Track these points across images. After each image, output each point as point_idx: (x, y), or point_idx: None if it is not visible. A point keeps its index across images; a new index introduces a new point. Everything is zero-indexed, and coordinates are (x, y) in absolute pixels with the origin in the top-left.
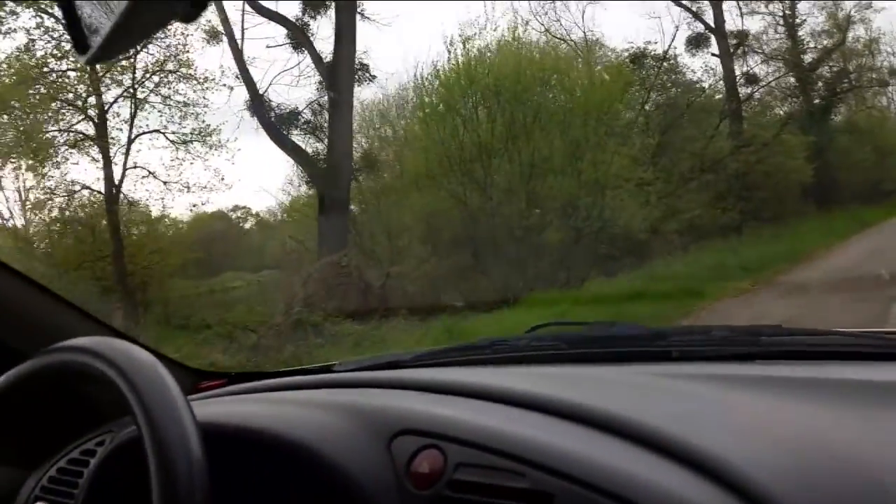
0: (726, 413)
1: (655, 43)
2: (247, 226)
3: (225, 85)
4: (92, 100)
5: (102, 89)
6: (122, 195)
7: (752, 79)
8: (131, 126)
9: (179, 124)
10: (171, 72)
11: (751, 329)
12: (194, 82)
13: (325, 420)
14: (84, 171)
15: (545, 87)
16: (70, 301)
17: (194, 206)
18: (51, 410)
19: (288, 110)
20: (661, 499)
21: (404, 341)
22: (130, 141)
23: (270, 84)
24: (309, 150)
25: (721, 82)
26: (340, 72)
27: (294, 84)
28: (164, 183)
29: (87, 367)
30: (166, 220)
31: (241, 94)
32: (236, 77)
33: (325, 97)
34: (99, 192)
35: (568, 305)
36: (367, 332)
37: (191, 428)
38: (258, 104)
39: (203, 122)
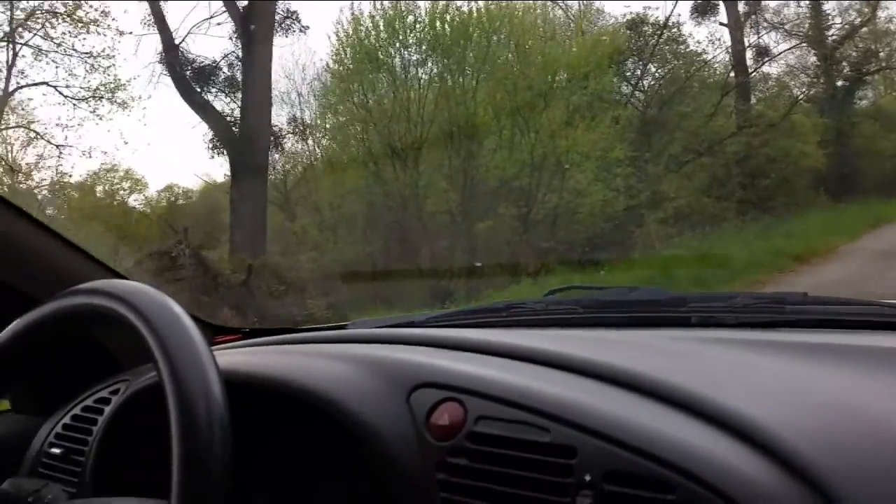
0: (752, 375)
1: (657, 9)
2: None
3: (117, 28)
4: None
5: None
6: None
7: (762, 51)
8: (8, 78)
9: (84, 78)
10: (58, 14)
11: (775, 296)
12: (81, 24)
13: (344, 371)
14: None
15: (492, 43)
16: (83, 248)
17: (94, 172)
18: (66, 358)
19: (205, 63)
20: (687, 455)
21: None
22: (8, 94)
23: (189, 33)
24: (225, 109)
25: (727, 55)
26: (256, 18)
27: (204, 33)
28: (58, 147)
29: (107, 311)
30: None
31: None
32: (146, 24)
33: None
34: None
35: None
36: None
37: (214, 377)
38: (173, 55)
39: (115, 75)
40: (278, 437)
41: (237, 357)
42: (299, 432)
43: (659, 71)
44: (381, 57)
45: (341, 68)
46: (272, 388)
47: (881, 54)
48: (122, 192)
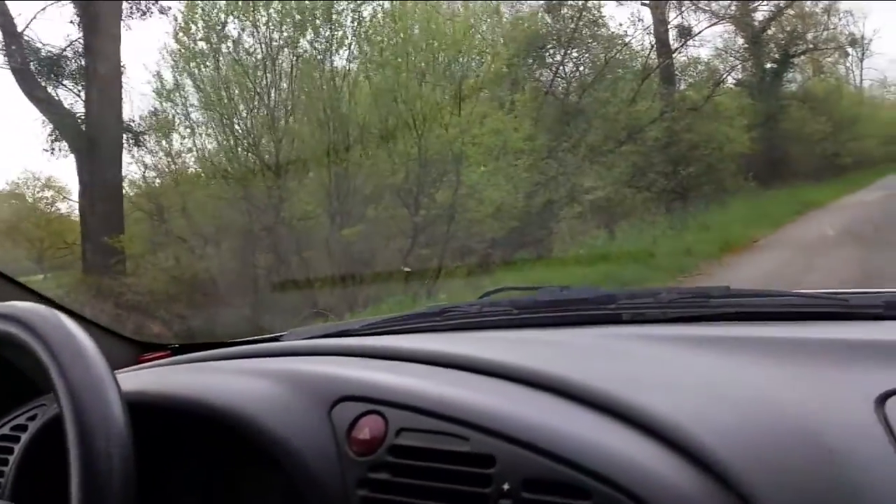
0: (672, 373)
1: None
2: None
3: None
4: None
5: None
6: None
7: (684, 32)
8: None
9: None
10: None
11: (699, 290)
12: None
13: (264, 388)
14: None
15: (364, 19)
16: None
17: None
18: None
19: (50, 53)
20: (601, 459)
21: None
22: None
23: (34, 18)
24: (68, 103)
25: (649, 36)
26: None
27: (44, 17)
28: None
29: (6, 336)
30: None
31: None
32: None
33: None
34: None
35: None
36: None
37: (115, 404)
38: (13, 44)
39: None
40: (199, 457)
41: (154, 377)
42: (220, 451)
43: (578, 55)
44: (231, 33)
45: (181, 49)
46: (187, 408)
47: (808, 36)
48: None
